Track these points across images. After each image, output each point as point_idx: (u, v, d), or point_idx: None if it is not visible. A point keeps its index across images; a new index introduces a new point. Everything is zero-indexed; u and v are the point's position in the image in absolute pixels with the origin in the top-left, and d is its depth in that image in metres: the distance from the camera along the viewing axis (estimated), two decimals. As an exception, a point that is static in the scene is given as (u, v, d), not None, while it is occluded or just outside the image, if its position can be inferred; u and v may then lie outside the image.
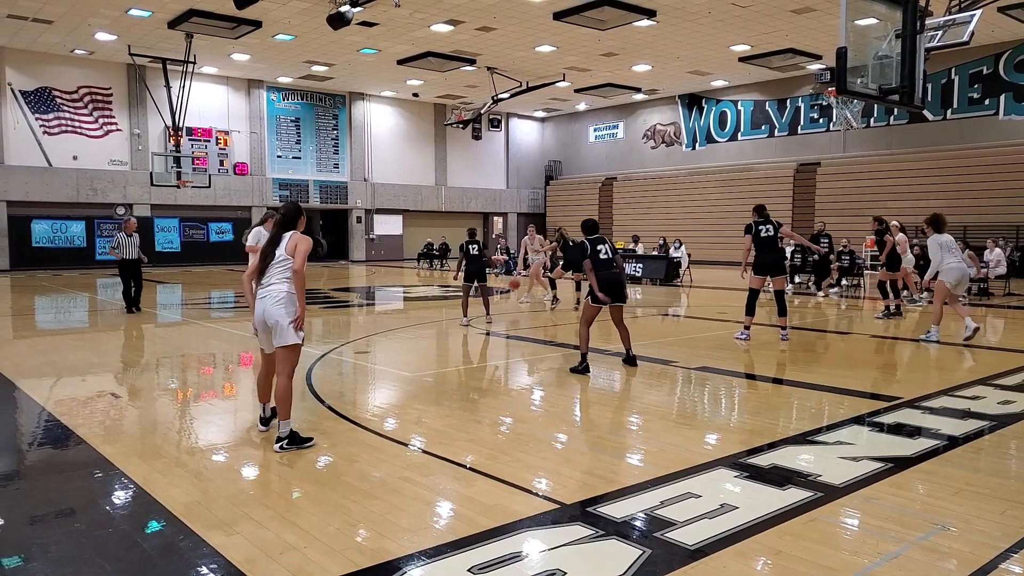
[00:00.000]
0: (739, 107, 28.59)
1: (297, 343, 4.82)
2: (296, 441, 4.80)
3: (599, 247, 7.45)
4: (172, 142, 22.64)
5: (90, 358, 8.55)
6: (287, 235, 4.93)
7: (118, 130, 25.30)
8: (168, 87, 22.11)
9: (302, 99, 29.25)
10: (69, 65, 23.94)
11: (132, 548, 3.35)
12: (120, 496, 4.06)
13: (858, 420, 5.53)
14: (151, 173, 23.00)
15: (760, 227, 9.35)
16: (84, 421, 5.57)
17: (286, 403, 4.81)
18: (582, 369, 7.26)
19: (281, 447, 4.75)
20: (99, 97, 24.83)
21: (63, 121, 24.23)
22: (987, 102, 22.17)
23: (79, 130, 24.59)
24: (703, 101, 29.70)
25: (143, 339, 10.22)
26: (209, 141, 26.95)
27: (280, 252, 4.87)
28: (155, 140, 25.64)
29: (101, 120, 24.97)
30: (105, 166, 25.03)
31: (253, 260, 5.34)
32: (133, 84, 25.05)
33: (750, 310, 9.49)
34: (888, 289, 11.97)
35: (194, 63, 21.72)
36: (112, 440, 5.07)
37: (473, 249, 11.07)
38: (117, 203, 24.97)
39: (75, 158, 24.43)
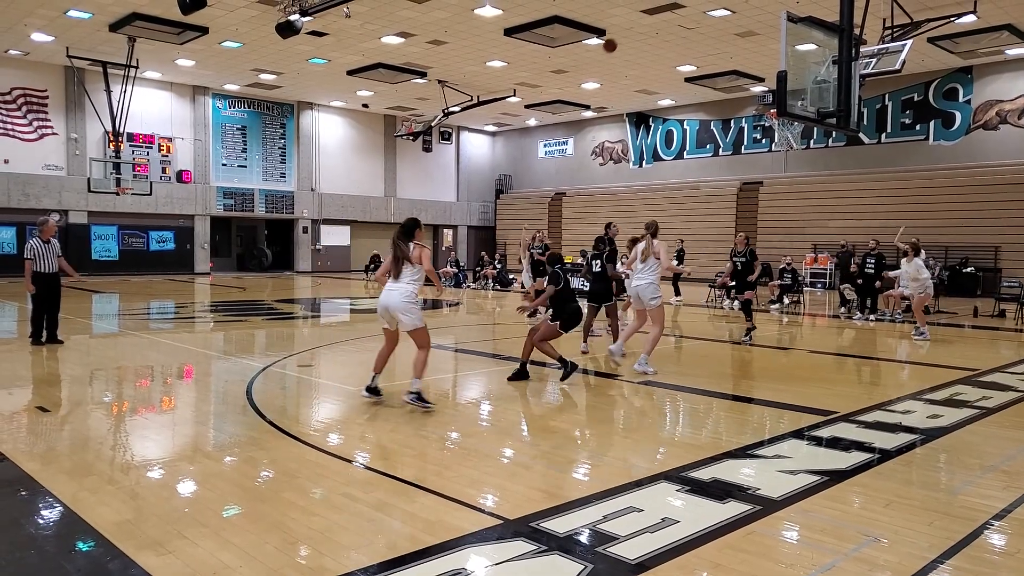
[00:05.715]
0: (685, 126, 29.28)
1: (421, 325, 6.17)
2: (422, 399, 6.09)
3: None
4: (112, 148, 21.87)
5: (17, 370, 8.16)
6: (411, 245, 6.14)
7: (54, 134, 24.33)
8: (108, 91, 21.38)
9: (249, 107, 28.67)
10: (2, 66, 22.95)
11: (56, 570, 3.20)
12: (45, 515, 3.87)
13: (796, 434, 5.68)
14: (88, 179, 22.11)
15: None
16: (8, 437, 5.29)
17: (421, 367, 6.18)
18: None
19: (409, 400, 6.13)
20: (34, 99, 23.85)
21: (-7, 123, 23.19)
22: (918, 128, 23.25)
23: (11, 133, 23.54)
24: (650, 120, 30.31)
25: (76, 351, 9.79)
26: (151, 147, 26.15)
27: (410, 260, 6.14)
28: (93, 145, 24.75)
29: (35, 123, 23.97)
30: (39, 171, 24.02)
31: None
32: (71, 87, 24.15)
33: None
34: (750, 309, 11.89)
35: (136, 67, 21.09)
36: (38, 456, 4.83)
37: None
38: (51, 209, 23.94)
39: (6, 161, 23.36)
